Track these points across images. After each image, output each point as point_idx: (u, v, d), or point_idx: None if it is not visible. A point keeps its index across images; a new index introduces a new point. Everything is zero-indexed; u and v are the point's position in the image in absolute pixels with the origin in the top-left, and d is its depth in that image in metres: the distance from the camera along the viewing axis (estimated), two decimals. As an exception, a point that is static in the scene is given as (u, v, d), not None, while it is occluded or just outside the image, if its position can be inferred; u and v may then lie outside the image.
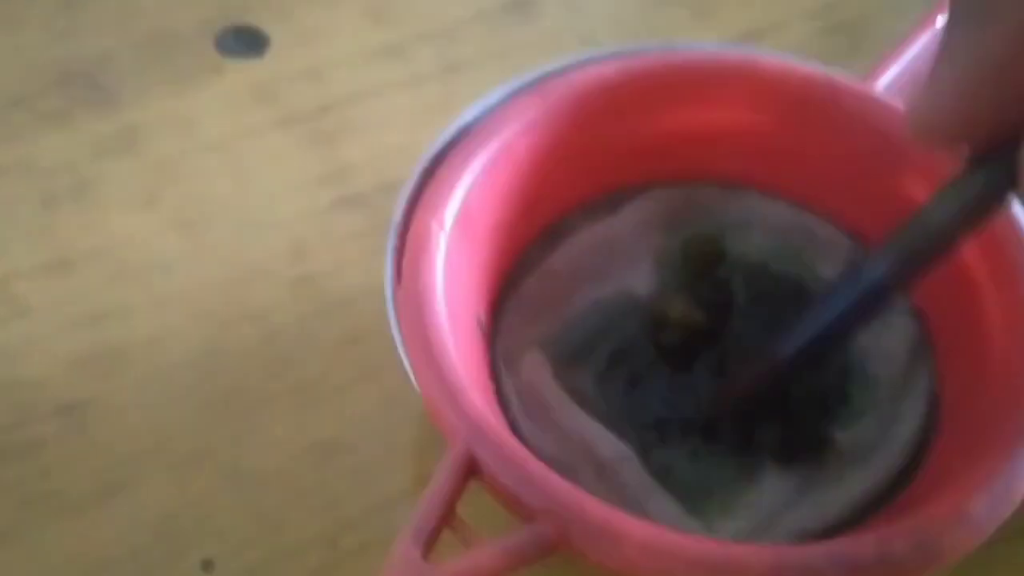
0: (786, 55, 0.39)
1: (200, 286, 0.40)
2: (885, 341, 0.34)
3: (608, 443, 0.31)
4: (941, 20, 0.34)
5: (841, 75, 0.36)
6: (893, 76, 0.37)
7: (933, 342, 0.34)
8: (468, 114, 0.37)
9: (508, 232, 0.34)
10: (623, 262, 0.36)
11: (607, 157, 0.36)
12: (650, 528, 0.26)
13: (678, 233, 0.37)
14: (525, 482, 0.26)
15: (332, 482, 0.35)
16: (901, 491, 0.31)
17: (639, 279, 0.35)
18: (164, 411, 0.37)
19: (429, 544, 0.25)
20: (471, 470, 0.26)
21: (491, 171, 0.33)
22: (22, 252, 0.40)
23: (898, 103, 0.35)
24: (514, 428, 0.31)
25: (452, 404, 0.27)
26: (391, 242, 0.33)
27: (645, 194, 0.36)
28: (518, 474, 0.26)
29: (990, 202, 0.26)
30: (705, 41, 0.46)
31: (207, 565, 0.34)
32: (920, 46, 0.38)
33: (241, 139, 0.45)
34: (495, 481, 0.26)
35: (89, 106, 0.45)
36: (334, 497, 0.35)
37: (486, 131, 0.33)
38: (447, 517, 0.26)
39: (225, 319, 0.39)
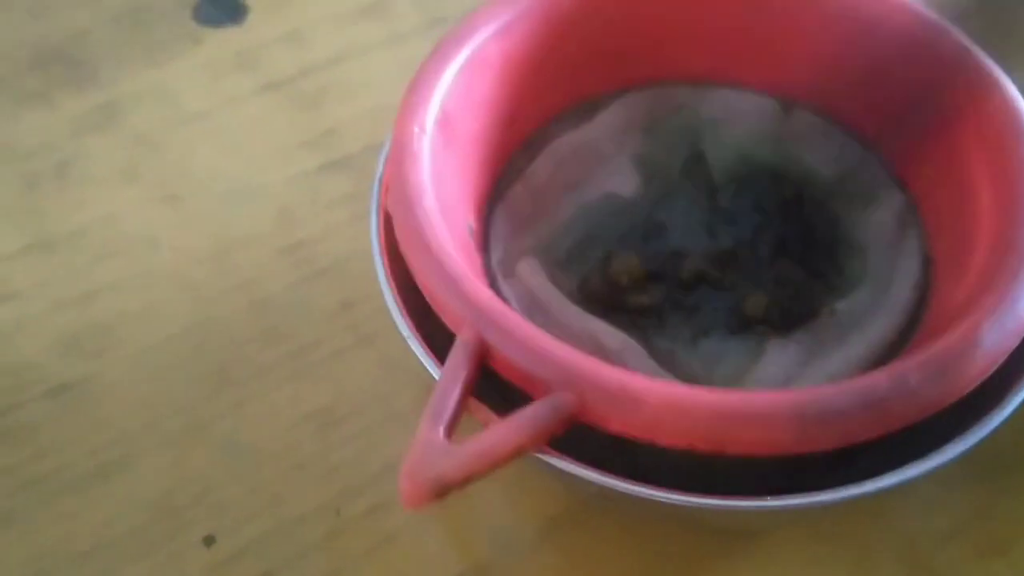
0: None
1: (188, 259, 0.39)
2: (872, 213, 0.34)
3: (612, 335, 0.31)
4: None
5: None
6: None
7: (920, 207, 0.34)
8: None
9: (491, 141, 0.34)
10: (604, 166, 0.35)
11: (581, 62, 0.36)
12: (669, 386, 0.26)
13: (654, 133, 0.36)
14: (539, 356, 0.25)
15: (332, 450, 0.35)
16: (903, 349, 0.31)
17: (622, 181, 0.35)
18: (157, 387, 0.36)
19: (451, 427, 0.25)
20: (482, 354, 0.26)
21: (466, 76, 0.32)
22: (6, 235, 0.40)
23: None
24: None
25: (455, 291, 0.27)
26: (375, 196, 0.32)
27: (619, 99, 0.36)
28: (530, 349, 0.26)
29: None
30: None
31: (209, 540, 0.33)
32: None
33: (223, 108, 0.44)
34: (508, 359, 0.26)
35: (67, 84, 0.44)
36: (335, 465, 0.34)
37: (458, 37, 0.33)
38: (464, 402, 0.25)
39: (215, 291, 0.38)
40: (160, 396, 0.36)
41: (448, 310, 0.27)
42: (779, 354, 0.31)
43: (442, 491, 0.24)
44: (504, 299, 0.32)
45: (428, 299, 0.28)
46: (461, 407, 0.25)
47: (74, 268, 0.39)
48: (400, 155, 0.30)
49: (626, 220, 0.35)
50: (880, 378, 0.25)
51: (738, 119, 0.36)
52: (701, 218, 0.36)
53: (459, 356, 0.26)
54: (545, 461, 0.26)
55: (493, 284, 0.32)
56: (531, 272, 0.32)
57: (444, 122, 0.31)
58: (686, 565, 0.33)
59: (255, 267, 0.39)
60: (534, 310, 0.32)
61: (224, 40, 0.46)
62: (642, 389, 0.25)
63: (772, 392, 0.26)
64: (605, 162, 0.35)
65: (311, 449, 0.35)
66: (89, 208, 0.40)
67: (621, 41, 0.36)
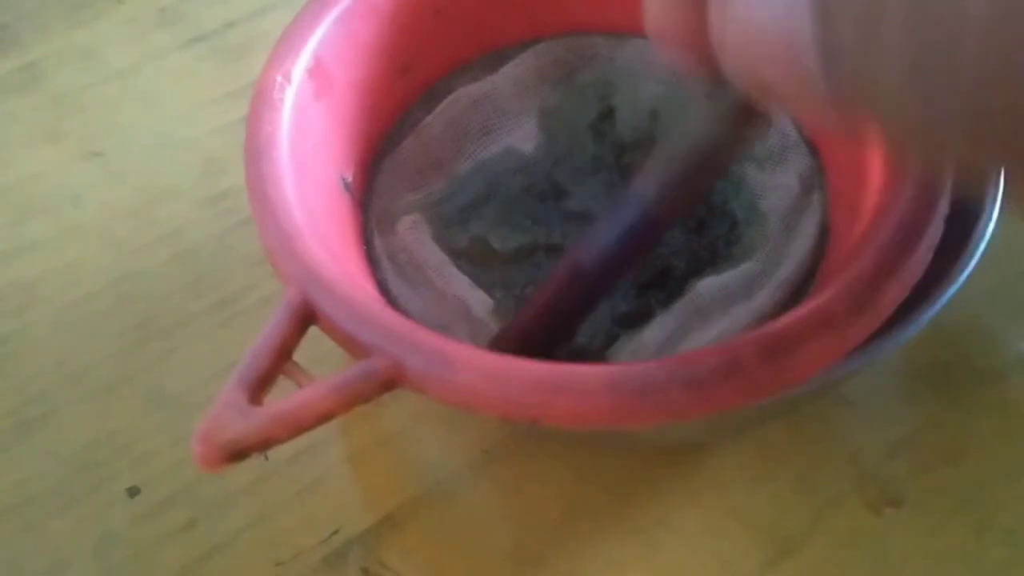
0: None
1: (111, 214, 0.38)
2: (780, 175, 0.32)
3: (481, 302, 0.30)
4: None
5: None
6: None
7: (826, 173, 0.32)
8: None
9: (381, 91, 0.32)
10: (506, 120, 0.34)
11: (488, 11, 0.34)
12: (485, 354, 0.24)
13: (564, 86, 0.35)
14: (359, 319, 0.24)
15: (260, 397, 0.34)
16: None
17: (524, 136, 0.34)
18: (80, 343, 0.35)
19: (258, 388, 0.24)
20: (308, 316, 0.25)
21: (348, 23, 0.30)
22: (-74, 199, 0.39)
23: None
24: (383, 289, 0.30)
25: (287, 249, 0.26)
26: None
27: (530, 49, 0.35)
28: (352, 312, 0.25)
29: (738, 124, 0.24)
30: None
31: (133, 491, 0.32)
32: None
33: (147, 64, 0.43)
34: (329, 322, 0.25)
35: (-12, 47, 0.43)
36: (262, 411, 0.34)
37: None
38: (280, 363, 0.24)
39: (139, 244, 0.37)
40: (83, 351, 0.35)
41: (278, 266, 0.26)
42: (657, 328, 0.30)
43: (237, 455, 0.23)
44: (375, 257, 0.31)
45: (265, 253, 0.27)
46: (274, 369, 0.24)
47: (-5, 229, 0.38)
48: (258, 106, 0.29)
49: (525, 178, 0.34)
50: (709, 355, 0.23)
51: (653, 70, 0.34)
52: (603, 179, 0.34)
53: (280, 316, 0.25)
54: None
55: (368, 240, 0.31)
56: (411, 229, 0.31)
57: (317, 71, 0.30)
58: (628, 490, 0.32)
59: (180, 218, 0.38)
60: (408, 268, 0.31)
61: (147, -4, 0.45)
62: (457, 357, 0.24)
63: (592, 366, 0.24)
64: (507, 116, 0.34)
65: (238, 396, 0.34)
66: (11, 168, 0.40)
67: None
